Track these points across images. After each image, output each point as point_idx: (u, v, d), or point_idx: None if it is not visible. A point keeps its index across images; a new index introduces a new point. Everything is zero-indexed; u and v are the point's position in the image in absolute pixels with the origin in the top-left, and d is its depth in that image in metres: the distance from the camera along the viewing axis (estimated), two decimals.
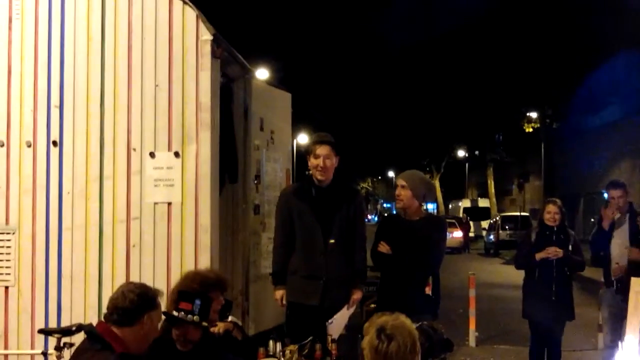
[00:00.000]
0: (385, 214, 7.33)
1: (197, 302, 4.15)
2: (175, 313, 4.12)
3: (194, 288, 4.47)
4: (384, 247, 6.13)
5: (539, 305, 7.24)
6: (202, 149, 6.14)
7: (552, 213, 7.28)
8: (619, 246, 7.24)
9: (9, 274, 6.33)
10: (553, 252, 7.13)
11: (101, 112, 6.28)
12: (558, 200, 7.50)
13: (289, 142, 8.72)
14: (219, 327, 4.65)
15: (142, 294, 3.65)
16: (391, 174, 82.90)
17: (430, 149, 47.17)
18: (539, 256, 7.19)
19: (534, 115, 35.09)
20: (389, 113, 43.62)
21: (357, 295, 5.99)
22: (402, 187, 6.19)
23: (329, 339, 4.81)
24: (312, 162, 5.94)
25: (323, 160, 5.89)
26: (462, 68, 35.39)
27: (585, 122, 35.82)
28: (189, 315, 4.11)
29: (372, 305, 9.65)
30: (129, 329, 3.57)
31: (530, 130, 35.54)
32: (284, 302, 5.95)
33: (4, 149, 6.37)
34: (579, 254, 7.35)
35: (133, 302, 3.61)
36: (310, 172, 6.03)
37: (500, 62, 32.77)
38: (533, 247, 7.31)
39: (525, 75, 32.35)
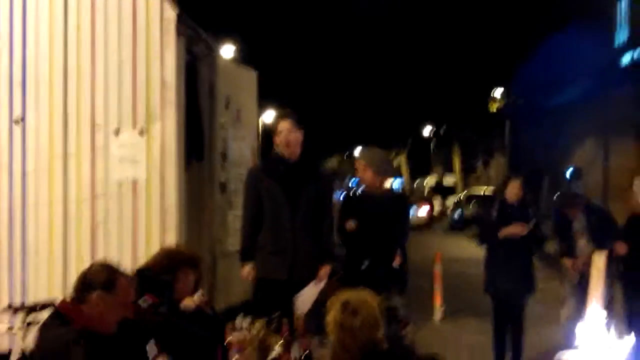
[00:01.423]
0: (349, 192, 7.37)
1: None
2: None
3: (164, 264, 4.49)
4: (350, 225, 6.19)
5: (503, 279, 7.25)
6: (167, 127, 6.11)
7: (514, 189, 7.29)
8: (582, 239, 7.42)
9: None
10: (520, 229, 7.13)
11: (64, 89, 6.22)
12: (519, 177, 7.51)
13: (255, 120, 8.71)
14: (190, 302, 4.68)
15: (92, 273, 3.64)
16: (357, 152, 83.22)
17: (397, 126, 47.26)
18: (502, 234, 7.19)
19: (498, 94, 35.31)
20: (356, 90, 43.61)
21: (325, 270, 6.04)
22: (363, 166, 6.30)
23: (297, 313, 4.85)
24: (276, 138, 5.97)
25: (287, 133, 5.92)
26: (429, 45, 35.47)
27: (550, 100, 36.12)
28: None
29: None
30: (83, 306, 3.57)
31: (494, 110, 35.77)
32: (251, 278, 5.97)
33: None
34: (539, 230, 7.42)
35: (81, 280, 3.63)
36: (278, 149, 6.05)
37: (467, 39, 32.90)
38: (495, 224, 7.30)
39: (491, 53, 32.52)
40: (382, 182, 6.43)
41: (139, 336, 3.79)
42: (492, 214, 7.44)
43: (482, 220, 7.89)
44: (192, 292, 4.79)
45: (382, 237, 6.15)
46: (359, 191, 6.74)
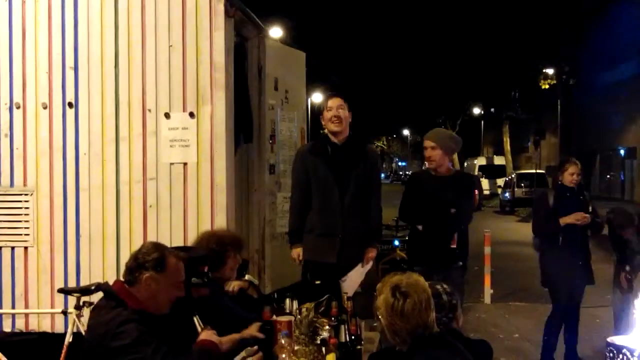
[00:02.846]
0: (412, 172, 7.26)
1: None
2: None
3: (212, 248, 4.52)
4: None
5: (566, 272, 6.93)
6: (216, 109, 6.14)
7: (574, 174, 6.97)
8: None
9: (27, 234, 6.42)
10: (582, 218, 6.86)
11: (115, 74, 6.29)
12: (577, 161, 7.15)
13: (303, 102, 8.69)
14: (234, 285, 4.72)
15: (142, 254, 3.67)
16: (406, 132, 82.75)
17: (446, 106, 46.88)
18: (564, 221, 6.88)
19: (550, 71, 34.70)
20: (404, 71, 43.32)
21: (372, 253, 6.03)
22: (432, 148, 6.24)
23: (345, 296, 4.84)
24: (326, 115, 5.96)
25: (337, 110, 5.91)
26: (478, 24, 35.01)
27: (602, 79, 35.43)
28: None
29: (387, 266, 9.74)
30: (134, 288, 3.62)
31: (547, 87, 35.20)
32: (301, 259, 6.00)
33: (20, 111, 6.42)
34: (597, 214, 7.13)
35: (132, 261, 3.68)
36: (325, 129, 6.04)
37: (517, 17, 32.39)
38: (553, 211, 6.98)
39: (542, 31, 31.97)
40: (448, 162, 6.42)
41: (188, 313, 3.83)
42: (548, 201, 7.08)
43: (537, 207, 7.41)
44: (237, 274, 4.83)
45: (453, 216, 6.13)
46: (423, 170, 6.64)
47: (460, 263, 6.29)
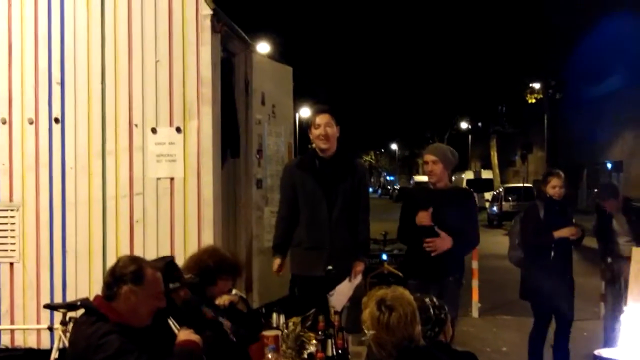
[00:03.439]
0: (405, 187, 7.17)
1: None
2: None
3: (208, 264, 4.53)
4: (425, 218, 6.15)
5: (557, 286, 6.84)
6: (203, 124, 6.15)
7: (557, 187, 6.93)
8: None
9: (13, 250, 6.40)
10: (575, 232, 6.83)
11: (102, 88, 6.30)
12: (561, 172, 7.12)
13: (290, 116, 8.71)
14: (225, 299, 4.69)
15: (120, 268, 3.63)
16: (394, 146, 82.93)
17: (433, 120, 47.03)
18: (559, 234, 6.80)
19: (537, 86, 34.88)
20: (391, 86, 43.51)
21: (359, 267, 6.01)
22: (434, 162, 6.23)
23: (332, 310, 4.83)
24: (314, 132, 5.94)
25: (324, 128, 5.89)
26: (465, 39, 35.19)
27: (589, 92, 35.61)
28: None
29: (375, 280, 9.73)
30: (114, 303, 3.60)
31: (533, 101, 35.36)
32: (281, 271, 5.97)
33: (6, 126, 6.40)
34: (582, 227, 7.07)
35: (110, 276, 3.64)
36: (314, 144, 6.04)
37: (504, 32, 32.57)
38: (544, 224, 6.91)
39: (528, 46, 32.15)
40: (448, 177, 6.42)
41: (162, 317, 3.79)
42: (538, 214, 7.01)
43: (526, 221, 7.24)
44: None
45: (452, 232, 6.10)
46: (418, 185, 6.58)
47: (457, 275, 6.28)
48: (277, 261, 5.97)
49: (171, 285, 4.16)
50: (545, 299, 6.99)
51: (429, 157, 6.30)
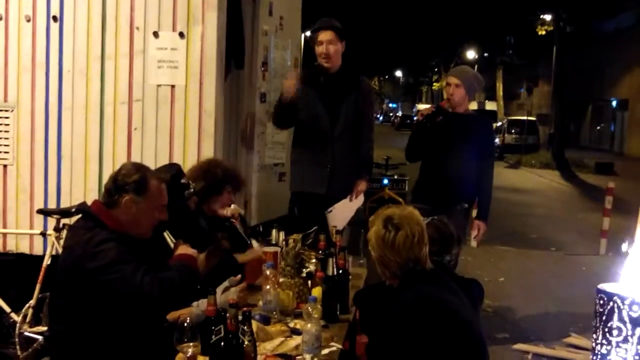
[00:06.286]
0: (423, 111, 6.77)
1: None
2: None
3: (216, 172, 4.57)
4: (427, 110, 6.00)
5: None
6: (208, 31, 5.87)
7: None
8: None
9: (7, 152, 6.20)
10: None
11: None
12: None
13: (298, 30, 8.40)
14: (232, 210, 4.70)
15: (122, 175, 3.45)
16: (399, 73, 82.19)
17: (440, 48, 46.36)
18: None
19: (548, 17, 34.19)
20: (399, 10, 42.70)
21: (361, 186, 5.84)
22: (457, 85, 5.90)
23: (333, 230, 4.70)
24: (316, 49, 5.76)
25: (326, 46, 5.69)
26: None
27: (600, 27, 35.07)
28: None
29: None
30: (114, 211, 3.42)
31: (543, 33, 34.66)
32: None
33: (2, 22, 6.13)
34: None
35: (111, 183, 3.46)
36: (318, 60, 5.83)
37: None
38: None
39: None
40: (468, 103, 6.13)
41: (159, 230, 3.66)
42: None
43: None
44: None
45: (467, 159, 5.89)
46: (437, 106, 6.26)
47: (466, 205, 6.09)
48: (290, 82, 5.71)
49: (187, 193, 4.14)
50: None
51: (452, 80, 5.98)
